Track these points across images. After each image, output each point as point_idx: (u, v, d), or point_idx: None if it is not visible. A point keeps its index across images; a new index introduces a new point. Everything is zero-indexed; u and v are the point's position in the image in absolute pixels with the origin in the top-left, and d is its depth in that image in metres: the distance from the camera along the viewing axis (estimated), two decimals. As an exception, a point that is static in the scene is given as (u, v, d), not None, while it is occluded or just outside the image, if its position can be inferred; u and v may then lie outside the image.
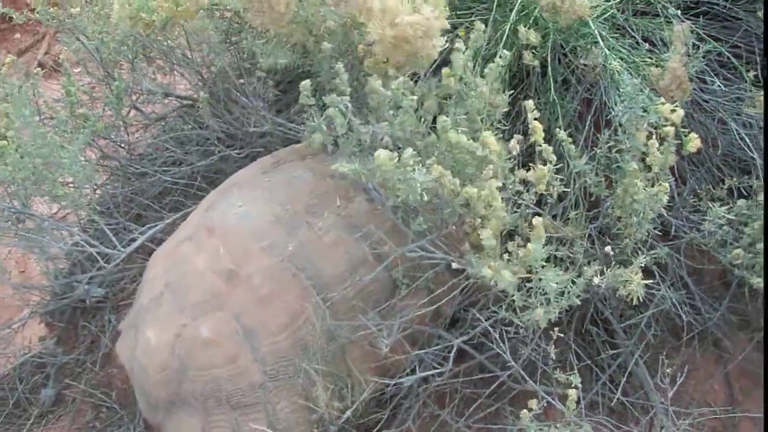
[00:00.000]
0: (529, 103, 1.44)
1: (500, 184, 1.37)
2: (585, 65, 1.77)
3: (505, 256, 1.38)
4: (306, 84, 1.53)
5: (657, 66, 1.70)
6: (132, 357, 1.67)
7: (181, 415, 1.60)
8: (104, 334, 1.98)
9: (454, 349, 1.57)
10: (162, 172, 2.00)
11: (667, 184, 1.49)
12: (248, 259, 1.59)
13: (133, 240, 1.88)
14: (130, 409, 1.88)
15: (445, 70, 1.53)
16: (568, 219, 1.65)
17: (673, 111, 1.47)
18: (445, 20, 1.48)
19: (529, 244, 1.33)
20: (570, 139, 1.56)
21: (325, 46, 1.64)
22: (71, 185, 1.89)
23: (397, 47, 1.47)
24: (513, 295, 1.39)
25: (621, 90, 1.60)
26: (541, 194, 1.49)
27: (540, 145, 1.43)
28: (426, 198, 1.37)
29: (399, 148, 1.44)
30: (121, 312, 2.02)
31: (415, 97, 1.49)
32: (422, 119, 1.52)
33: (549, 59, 1.80)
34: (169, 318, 1.60)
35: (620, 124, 1.58)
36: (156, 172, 2.00)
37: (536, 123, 1.43)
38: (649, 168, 1.50)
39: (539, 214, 1.54)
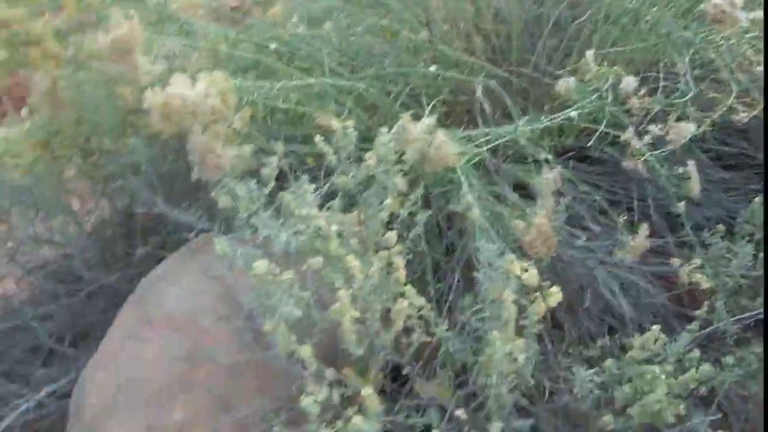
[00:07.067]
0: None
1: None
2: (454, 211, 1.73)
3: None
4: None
5: (522, 219, 1.67)
6: None
7: None
8: None
9: None
10: (33, 328, 1.92)
11: (521, 342, 1.43)
12: (204, 336, 1.55)
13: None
14: None
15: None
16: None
17: (525, 270, 1.44)
18: (220, 101, 1.44)
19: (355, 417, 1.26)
20: (430, 306, 1.52)
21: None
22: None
23: (166, 119, 1.43)
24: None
25: (481, 255, 1.56)
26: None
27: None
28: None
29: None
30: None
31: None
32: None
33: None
34: (134, 415, 1.51)
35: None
36: (27, 326, 1.92)
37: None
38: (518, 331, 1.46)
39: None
